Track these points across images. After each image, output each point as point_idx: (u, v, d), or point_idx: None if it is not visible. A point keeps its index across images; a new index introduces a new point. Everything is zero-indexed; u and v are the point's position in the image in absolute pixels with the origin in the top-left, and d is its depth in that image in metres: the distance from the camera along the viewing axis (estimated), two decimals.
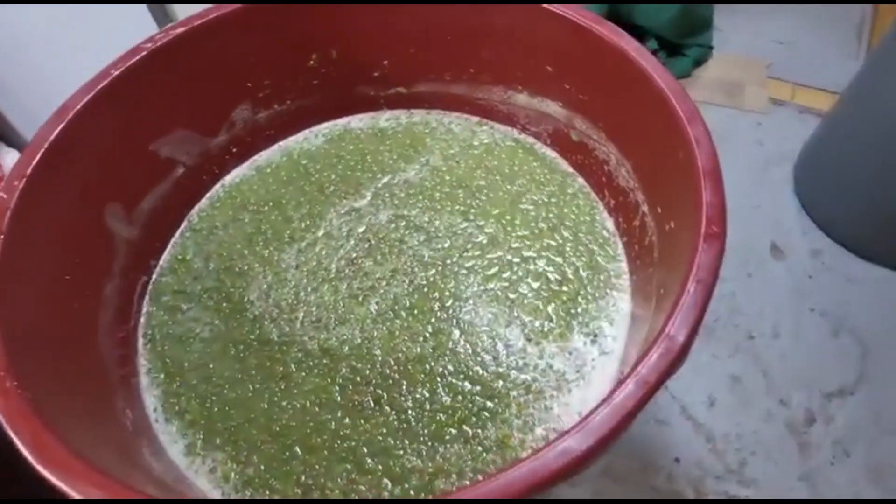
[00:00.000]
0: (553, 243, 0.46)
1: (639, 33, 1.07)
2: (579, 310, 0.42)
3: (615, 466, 0.62)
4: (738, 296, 0.72)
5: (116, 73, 0.41)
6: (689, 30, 1.09)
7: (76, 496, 0.24)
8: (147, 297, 0.46)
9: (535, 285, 0.44)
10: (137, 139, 0.44)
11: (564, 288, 0.43)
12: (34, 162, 0.36)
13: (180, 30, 0.43)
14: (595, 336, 0.41)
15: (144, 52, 0.41)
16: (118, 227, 0.43)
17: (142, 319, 0.45)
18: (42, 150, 0.37)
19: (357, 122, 0.56)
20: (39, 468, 0.25)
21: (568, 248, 0.46)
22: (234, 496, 0.36)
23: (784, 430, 0.64)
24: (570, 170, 0.51)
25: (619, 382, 0.25)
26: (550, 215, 0.48)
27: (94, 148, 0.41)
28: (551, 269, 0.44)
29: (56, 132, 0.38)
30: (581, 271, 0.44)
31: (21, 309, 0.32)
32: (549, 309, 0.43)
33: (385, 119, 0.56)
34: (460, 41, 0.50)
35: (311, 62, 0.51)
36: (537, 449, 0.24)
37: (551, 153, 0.52)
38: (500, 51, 0.49)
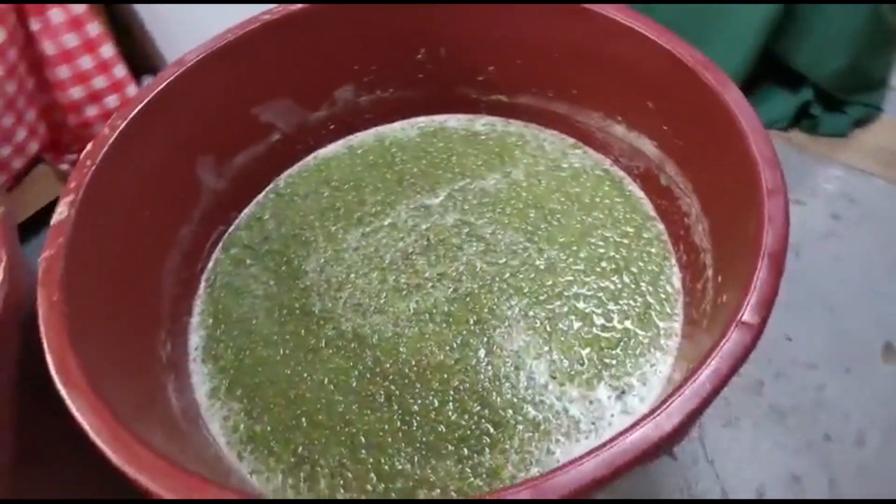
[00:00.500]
0: (611, 286, 0.44)
1: (795, 79, 0.98)
2: (614, 361, 0.40)
3: None
4: (828, 389, 0.65)
5: (232, 37, 0.44)
6: (856, 87, 0.98)
7: (77, 416, 0.27)
8: (220, 246, 0.49)
9: (577, 325, 0.42)
10: (241, 100, 0.48)
11: (605, 335, 0.41)
12: (140, 105, 0.40)
13: (298, 6, 0.45)
14: (623, 392, 0.39)
15: (260, 23, 0.44)
16: (207, 178, 0.47)
17: (209, 265, 0.48)
18: (150, 96, 0.41)
19: (454, 121, 0.57)
20: (57, 384, 0.28)
21: (624, 295, 0.43)
22: (237, 448, 0.39)
23: None
24: (653, 213, 0.48)
25: (587, 453, 0.23)
26: (617, 256, 0.46)
27: (199, 101, 0.44)
28: (599, 311, 0.43)
29: (168, 80, 0.42)
30: (629, 322, 0.42)
31: (94, 234, 0.36)
32: (584, 352, 0.41)
33: (482, 123, 0.56)
34: (568, 60, 0.49)
35: (419, 56, 0.52)
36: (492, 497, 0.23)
37: (638, 192, 0.50)
38: (606, 77, 0.47)
